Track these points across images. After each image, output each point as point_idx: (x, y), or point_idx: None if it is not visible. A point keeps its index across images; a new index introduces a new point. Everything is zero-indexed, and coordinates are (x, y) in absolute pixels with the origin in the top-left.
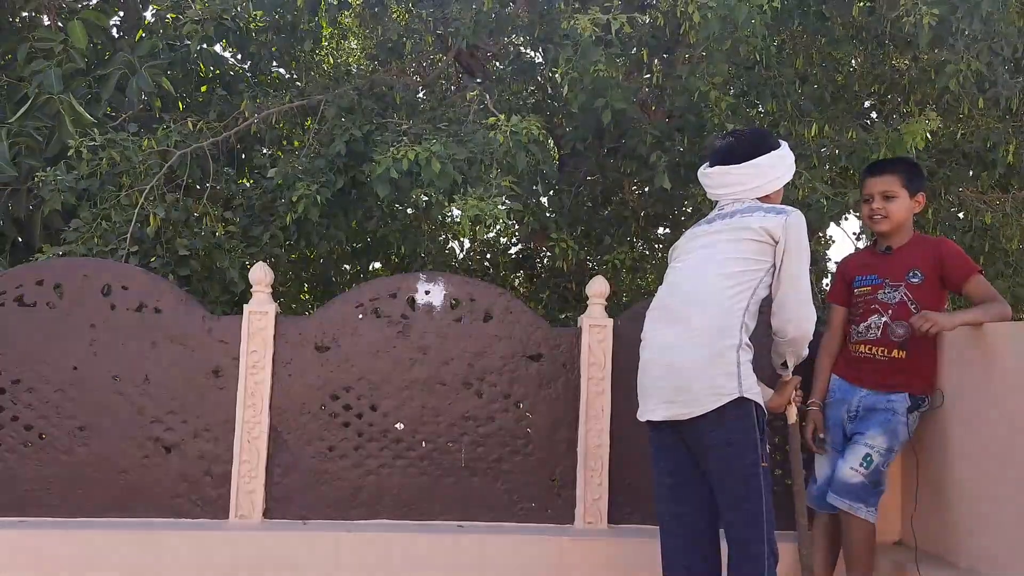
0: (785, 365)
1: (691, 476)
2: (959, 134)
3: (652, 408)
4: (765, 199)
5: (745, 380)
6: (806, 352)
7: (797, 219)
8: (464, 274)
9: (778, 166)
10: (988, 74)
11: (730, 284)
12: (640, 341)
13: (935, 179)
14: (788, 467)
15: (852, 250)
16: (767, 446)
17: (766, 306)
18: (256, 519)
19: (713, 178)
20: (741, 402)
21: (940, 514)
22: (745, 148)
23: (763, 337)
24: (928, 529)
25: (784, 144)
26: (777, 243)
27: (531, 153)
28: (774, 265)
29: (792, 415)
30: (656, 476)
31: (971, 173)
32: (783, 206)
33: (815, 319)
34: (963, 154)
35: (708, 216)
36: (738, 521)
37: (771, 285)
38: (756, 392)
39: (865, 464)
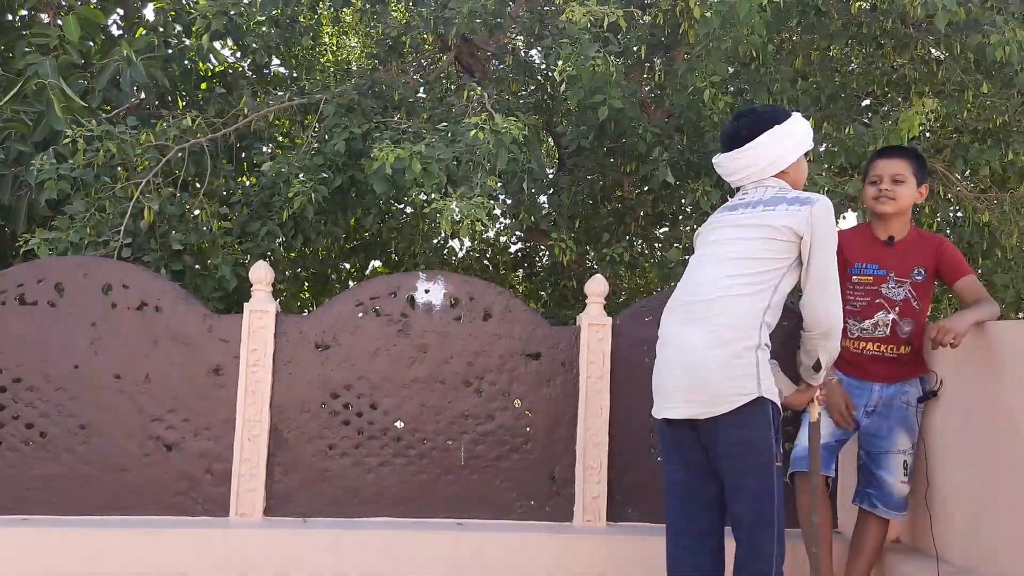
0: (817, 367)
1: (702, 475)
2: (965, 113)
3: (671, 406)
4: (783, 175)
5: (764, 380)
6: (837, 347)
7: (822, 209)
8: (463, 273)
9: (784, 141)
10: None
11: (751, 284)
12: (640, 340)
13: (933, 177)
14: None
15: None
16: (780, 446)
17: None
18: (257, 517)
19: (724, 165)
20: (759, 401)
21: (936, 512)
22: (747, 129)
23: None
24: (924, 527)
25: (794, 116)
26: (802, 238)
27: (514, 153)
28: (799, 259)
29: (815, 413)
30: (667, 474)
31: (960, 177)
32: (808, 194)
33: (840, 312)
34: (974, 131)
35: (730, 203)
36: (749, 519)
37: (797, 278)
38: (774, 392)
39: (905, 471)
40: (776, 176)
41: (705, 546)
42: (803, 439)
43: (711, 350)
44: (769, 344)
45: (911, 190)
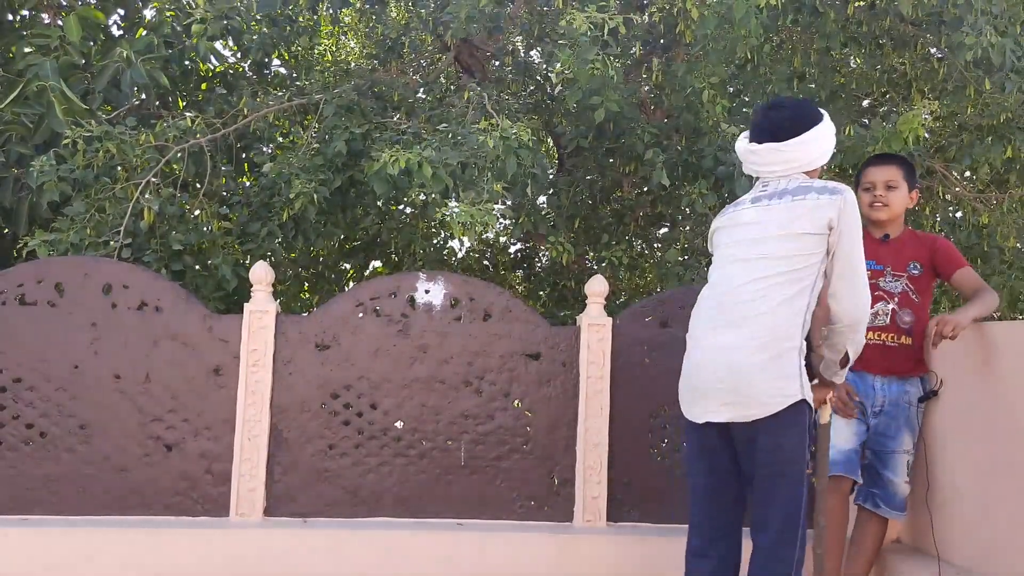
0: (844, 362)
1: (728, 478)
2: (969, 109)
3: (712, 410)
4: (810, 173)
5: (805, 382)
6: (863, 339)
7: (852, 198)
8: (463, 273)
9: (825, 140)
10: (998, 55)
11: (788, 283)
12: (640, 340)
13: (932, 177)
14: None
15: None
16: (810, 453)
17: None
18: (256, 517)
19: (762, 155)
20: (799, 407)
21: (937, 512)
22: (793, 123)
23: None
24: (924, 527)
25: (826, 115)
26: (833, 229)
27: (521, 158)
28: (828, 251)
29: (826, 415)
30: (692, 477)
31: (959, 177)
32: (834, 184)
33: (870, 300)
34: (977, 127)
35: (751, 195)
36: (775, 523)
37: (826, 271)
38: (811, 395)
39: (908, 471)
40: (805, 174)
41: (724, 548)
42: (835, 442)
43: (752, 353)
44: (805, 346)
45: (903, 195)
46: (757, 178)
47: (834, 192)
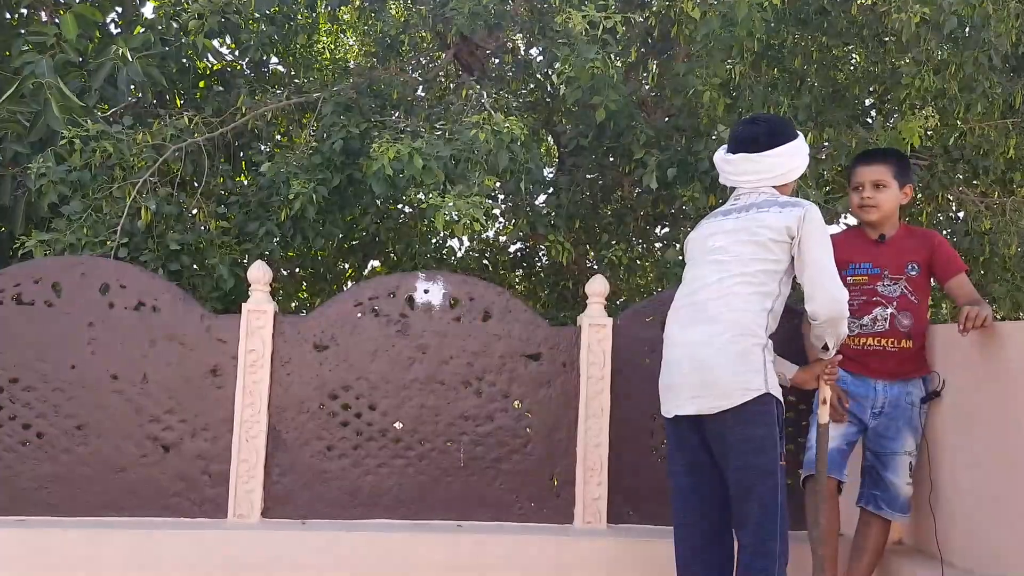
0: (826, 348)
1: (708, 475)
2: (952, 137)
3: (681, 403)
4: (783, 188)
5: (770, 377)
6: (845, 330)
7: (813, 210)
8: (462, 273)
9: (797, 156)
10: (975, 77)
11: (752, 283)
12: (640, 340)
13: (932, 180)
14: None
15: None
16: (784, 445)
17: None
18: (254, 519)
19: (736, 165)
20: (765, 399)
21: (940, 514)
22: (769, 136)
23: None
24: (928, 529)
25: (800, 135)
26: (794, 239)
27: (514, 152)
28: (792, 258)
29: (824, 415)
30: (673, 475)
31: (962, 177)
32: (798, 199)
33: (847, 296)
34: (960, 157)
35: (723, 208)
36: (754, 518)
37: (794, 277)
38: (778, 390)
39: (910, 473)
40: (777, 188)
41: (712, 546)
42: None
43: (719, 347)
44: (771, 344)
45: (894, 194)
46: (732, 190)
47: (796, 206)
